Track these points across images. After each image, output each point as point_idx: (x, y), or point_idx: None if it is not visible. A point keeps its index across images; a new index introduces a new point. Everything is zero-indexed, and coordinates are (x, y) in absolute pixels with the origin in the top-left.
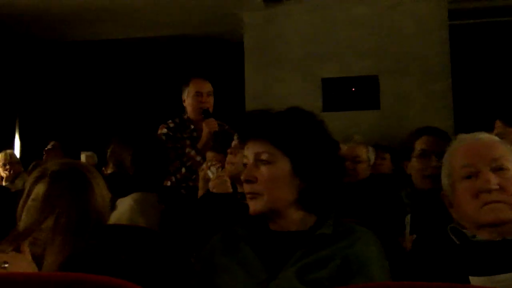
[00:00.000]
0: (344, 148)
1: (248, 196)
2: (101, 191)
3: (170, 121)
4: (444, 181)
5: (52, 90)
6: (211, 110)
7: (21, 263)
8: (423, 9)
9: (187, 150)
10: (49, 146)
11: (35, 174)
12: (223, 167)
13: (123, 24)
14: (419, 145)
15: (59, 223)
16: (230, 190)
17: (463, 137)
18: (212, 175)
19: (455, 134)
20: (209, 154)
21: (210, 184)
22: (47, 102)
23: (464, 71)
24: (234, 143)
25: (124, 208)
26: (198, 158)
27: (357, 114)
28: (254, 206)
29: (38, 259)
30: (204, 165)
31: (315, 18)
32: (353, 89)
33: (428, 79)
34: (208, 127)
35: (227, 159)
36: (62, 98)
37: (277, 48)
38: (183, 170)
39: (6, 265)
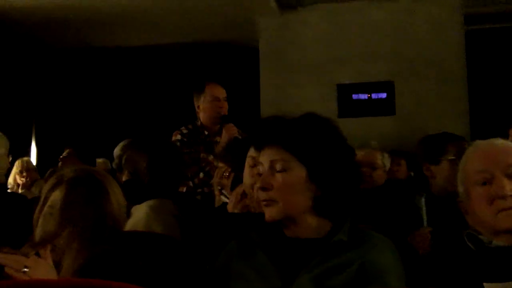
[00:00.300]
0: (360, 154)
1: (263, 203)
2: (117, 197)
3: (183, 127)
4: (460, 187)
5: (68, 97)
6: (226, 113)
7: (41, 268)
8: (439, 14)
9: (202, 155)
10: (64, 154)
11: (51, 181)
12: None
13: (139, 30)
14: (456, 148)
15: (76, 229)
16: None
17: (478, 143)
18: (225, 198)
19: (471, 140)
20: (220, 165)
21: (228, 207)
22: (63, 109)
23: (480, 76)
24: (252, 154)
25: (139, 215)
26: (217, 163)
27: (373, 120)
28: (270, 213)
29: (56, 265)
30: (215, 178)
31: (331, 24)
32: (369, 94)
33: (444, 84)
34: (228, 132)
35: (247, 171)
36: (79, 104)
37: (293, 53)
38: (201, 175)
39: (27, 270)
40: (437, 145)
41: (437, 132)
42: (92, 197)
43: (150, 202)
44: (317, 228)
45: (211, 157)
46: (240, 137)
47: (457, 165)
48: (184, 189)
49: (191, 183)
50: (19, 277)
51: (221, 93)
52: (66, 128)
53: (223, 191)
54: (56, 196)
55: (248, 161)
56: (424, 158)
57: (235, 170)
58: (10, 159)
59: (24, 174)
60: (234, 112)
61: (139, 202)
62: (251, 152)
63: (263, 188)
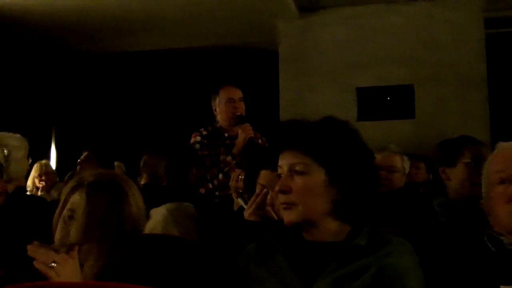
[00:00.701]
0: (379, 157)
1: (282, 206)
2: (137, 201)
3: (202, 129)
4: (484, 188)
5: (87, 101)
6: (243, 113)
7: (68, 267)
8: (459, 18)
9: (222, 157)
10: (82, 157)
11: (71, 183)
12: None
13: (160, 35)
14: (473, 152)
15: (98, 233)
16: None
17: (501, 145)
18: (242, 202)
19: (491, 144)
20: (237, 171)
21: (244, 214)
22: (82, 113)
23: (500, 80)
24: (261, 181)
25: (157, 218)
26: (234, 163)
27: (392, 123)
28: (289, 216)
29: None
30: (231, 182)
31: (351, 27)
32: (388, 98)
33: (464, 88)
34: (245, 132)
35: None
36: (98, 109)
37: (312, 57)
38: (220, 176)
39: (54, 265)
40: (453, 148)
41: (457, 136)
42: (113, 201)
43: (168, 205)
44: (336, 231)
45: (229, 158)
46: (256, 138)
47: (472, 168)
48: (203, 191)
49: (210, 185)
50: (46, 271)
51: (235, 93)
52: (85, 132)
53: (243, 195)
54: (76, 199)
55: (258, 188)
56: (441, 160)
57: (249, 175)
58: (30, 161)
59: (43, 178)
60: (253, 116)
61: (158, 205)
62: (260, 178)
63: (282, 191)
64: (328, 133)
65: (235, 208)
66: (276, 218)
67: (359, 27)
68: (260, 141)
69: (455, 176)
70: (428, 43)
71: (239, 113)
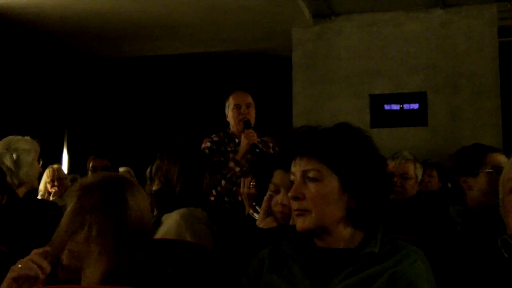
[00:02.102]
0: (392, 164)
1: (295, 213)
2: (138, 203)
3: (214, 135)
4: (500, 195)
5: (101, 105)
6: (252, 122)
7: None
8: (474, 26)
9: (231, 163)
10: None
11: (71, 188)
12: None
13: (174, 40)
14: (494, 161)
15: (91, 235)
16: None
17: None
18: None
19: (504, 152)
20: (248, 178)
21: (257, 223)
22: (95, 117)
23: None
24: (275, 181)
25: (170, 224)
26: (237, 169)
27: (405, 130)
28: (302, 223)
29: (77, 272)
30: (242, 189)
31: (365, 34)
32: (401, 105)
33: (478, 96)
34: (247, 138)
35: (277, 200)
36: (111, 113)
37: (326, 64)
38: (223, 182)
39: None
40: (474, 157)
41: (469, 144)
42: (107, 202)
43: (181, 211)
44: (349, 238)
45: (231, 164)
46: (259, 144)
47: (494, 178)
48: (213, 198)
49: (214, 192)
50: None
51: (243, 99)
52: (97, 136)
53: (256, 207)
54: (69, 202)
55: (271, 187)
56: (461, 170)
57: (262, 177)
58: (41, 163)
59: (56, 183)
60: (266, 122)
61: (170, 211)
62: (274, 178)
63: (295, 198)
64: (342, 140)
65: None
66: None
67: (374, 34)
68: (270, 149)
69: (477, 185)
70: (443, 51)
71: (244, 119)
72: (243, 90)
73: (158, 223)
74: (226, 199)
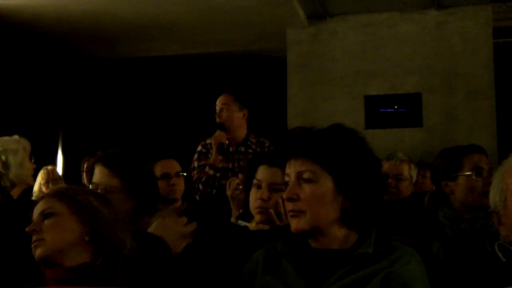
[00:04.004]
0: (386, 165)
1: (290, 214)
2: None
3: (208, 138)
4: (496, 197)
5: (95, 106)
6: (228, 121)
7: None
8: (469, 27)
9: (221, 165)
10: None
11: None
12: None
13: (168, 41)
14: (471, 162)
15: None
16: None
17: None
18: (244, 223)
19: (498, 153)
20: (234, 180)
21: (249, 226)
22: (90, 118)
23: (507, 89)
24: (258, 176)
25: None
26: (211, 172)
27: (400, 131)
28: (297, 224)
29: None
30: (227, 191)
31: (360, 35)
32: (396, 106)
33: (472, 97)
34: (213, 139)
35: (253, 193)
36: (106, 114)
37: (321, 65)
38: (201, 186)
39: None
40: (452, 161)
41: (464, 144)
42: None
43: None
44: (344, 239)
45: (207, 168)
46: (252, 145)
47: (473, 180)
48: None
49: (197, 197)
50: None
51: (219, 101)
52: (92, 137)
53: (239, 221)
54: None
55: (254, 182)
56: (441, 174)
57: (248, 174)
58: (33, 160)
59: (50, 185)
60: (261, 122)
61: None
62: (257, 173)
63: (290, 199)
64: (336, 141)
65: (234, 215)
66: (277, 220)
67: (369, 35)
68: (265, 149)
69: (458, 188)
70: (438, 52)
71: (218, 121)
72: (229, 91)
73: (140, 229)
74: (209, 200)
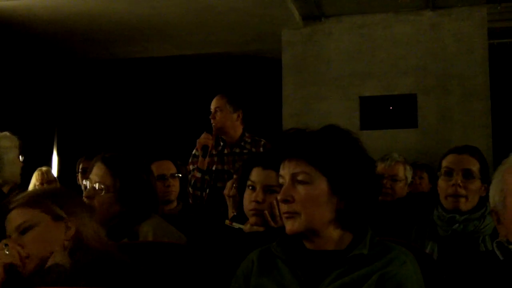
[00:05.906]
0: (381, 166)
1: (285, 215)
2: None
3: None
4: (495, 197)
5: (91, 107)
6: (220, 125)
7: None
8: (465, 28)
9: (216, 167)
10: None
11: None
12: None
13: (163, 42)
14: (445, 162)
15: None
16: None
17: None
18: (238, 226)
19: (493, 154)
20: (232, 180)
21: (245, 229)
22: (85, 119)
23: (502, 90)
24: (252, 178)
25: (144, 234)
26: (199, 175)
27: (395, 132)
28: (292, 226)
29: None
30: (225, 190)
31: (355, 36)
32: (391, 107)
33: (468, 98)
34: (198, 142)
35: (246, 194)
36: (101, 115)
37: (316, 66)
38: (190, 190)
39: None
40: (439, 161)
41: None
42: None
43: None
44: (339, 240)
45: (195, 172)
46: (246, 145)
47: (443, 180)
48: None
49: (190, 200)
50: None
51: (213, 104)
52: (87, 138)
53: (233, 223)
54: None
55: (248, 184)
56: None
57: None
58: (22, 158)
59: (45, 186)
60: (256, 124)
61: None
62: (251, 175)
63: (285, 201)
64: (330, 142)
65: (230, 215)
66: (272, 222)
67: (364, 36)
68: (260, 148)
69: (439, 189)
70: (433, 53)
71: (213, 124)
72: (222, 93)
73: (133, 234)
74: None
